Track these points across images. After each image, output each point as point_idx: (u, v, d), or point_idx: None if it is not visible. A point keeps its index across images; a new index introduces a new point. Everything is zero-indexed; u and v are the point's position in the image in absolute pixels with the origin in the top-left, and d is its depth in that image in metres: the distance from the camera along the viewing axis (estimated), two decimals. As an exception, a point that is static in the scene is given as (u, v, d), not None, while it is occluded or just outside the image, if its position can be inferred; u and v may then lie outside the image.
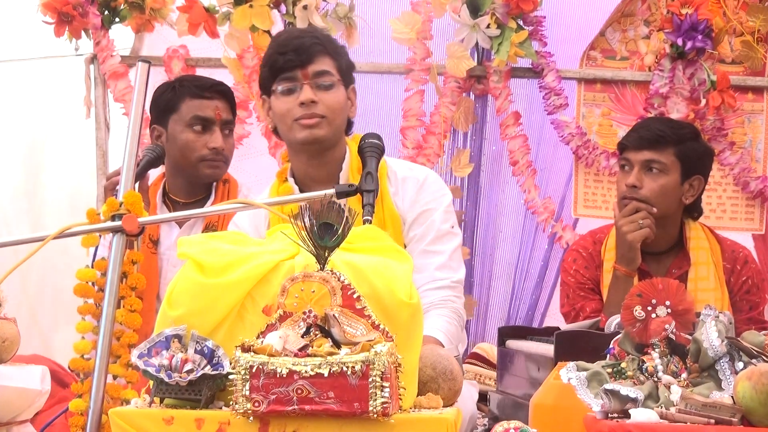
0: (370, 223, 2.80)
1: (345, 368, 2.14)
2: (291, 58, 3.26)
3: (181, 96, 3.94)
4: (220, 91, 4.00)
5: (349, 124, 3.38)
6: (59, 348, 5.31)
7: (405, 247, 3.21)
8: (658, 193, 3.79)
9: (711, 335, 2.27)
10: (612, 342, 2.40)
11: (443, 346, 3.02)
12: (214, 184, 4.02)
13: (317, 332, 2.22)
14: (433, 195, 3.31)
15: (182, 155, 3.90)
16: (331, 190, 2.80)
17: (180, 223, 3.97)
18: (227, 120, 3.98)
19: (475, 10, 4.34)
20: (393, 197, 3.28)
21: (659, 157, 3.81)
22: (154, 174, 4.02)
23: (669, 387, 2.25)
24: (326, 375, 2.14)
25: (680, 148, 3.83)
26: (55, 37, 4.46)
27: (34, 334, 5.55)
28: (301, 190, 3.27)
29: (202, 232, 3.88)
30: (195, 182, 3.98)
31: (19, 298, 5.63)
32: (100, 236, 2.78)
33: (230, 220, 3.47)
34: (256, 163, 4.62)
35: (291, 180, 3.33)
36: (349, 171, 3.31)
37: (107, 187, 3.91)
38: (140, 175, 3.71)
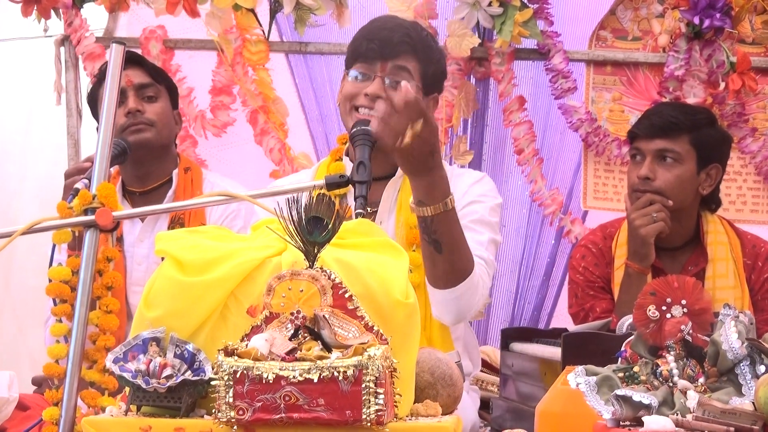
0: (363, 216, 2.80)
1: (336, 373, 2.13)
2: (374, 47, 3.43)
3: (99, 84, 4.04)
4: (127, 60, 4.01)
5: None
6: (29, 352, 5.32)
7: None
8: (673, 185, 3.80)
9: (730, 337, 2.27)
10: (624, 344, 2.40)
11: (473, 266, 3.23)
12: (175, 171, 4.05)
13: (306, 334, 2.22)
14: (485, 191, 3.53)
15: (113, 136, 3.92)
16: (321, 181, 2.80)
17: (143, 216, 3.99)
18: (142, 83, 4.04)
19: (476, -13, 4.33)
20: None
21: (673, 146, 3.81)
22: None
23: (685, 392, 2.25)
24: (316, 381, 2.14)
25: (695, 135, 3.84)
26: (23, 16, 4.44)
27: (3, 336, 5.56)
28: None
29: (168, 226, 3.91)
30: (140, 162, 4.00)
31: (2, 298, 5.65)
32: (73, 232, 2.77)
33: (199, 211, 3.49)
34: (239, 152, 4.63)
35: (346, 159, 3.43)
36: (404, 177, 3.40)
37: (67, 185, 3.78)
38: None
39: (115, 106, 2.80)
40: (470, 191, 3.49)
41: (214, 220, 3.94)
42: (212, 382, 2.22)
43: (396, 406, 2.26)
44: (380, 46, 3.42)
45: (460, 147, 4.49)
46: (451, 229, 3.15)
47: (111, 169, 3.85)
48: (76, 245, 2.69)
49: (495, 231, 3.48)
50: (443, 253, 3.16)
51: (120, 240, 3.97)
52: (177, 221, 3.91)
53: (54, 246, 2.71)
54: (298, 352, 2.18)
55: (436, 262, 3.19)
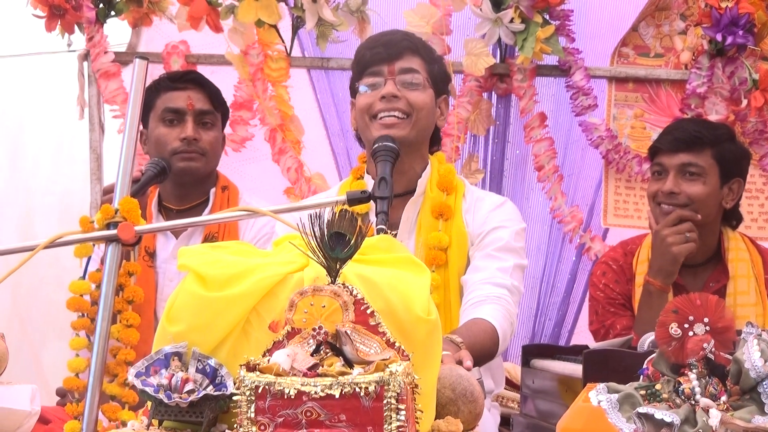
0: (385, 232, 2.80)
1: (358, 389, 2.13)
2: (379, 51, 3.45)
3: (156, 92, 4.00)
4: (192, 80, 4.05)
5: (436, 137, 3.45)
6: (49, 365, 5.33)
7: (467, 266, 3.39)
8: (700, 197, 3.79)
9: (753, 355, 2.26)
10: (645, 362, 2.39)
11: (498, 337, 3.21)
12: (212, 190, 4.04)
13: (328, 350, 2.22)
14: (508, 216, 3.49)
15: (158, 153, 3.92)
16: (343, 197, 2.81)
17: (177, 233, 3.98)
18: (203, 110, 4.01)
19: (497, 4, 4.33)
20: (465, 215, 3.44)
21: (696, 160, 3.81)
22: None
23: (707, 411, 2.25)
24: (337, 396, 2.13)
25: (718, 150, 3.84)
26: (46, 31, 4.47)
27: (24, 349, 5.57)
28: None
29: (202, 242, 3.89)
30: (182, 184, 3.99)
31: (10, 312, 5.65)
32: (95, 246, 2.78)
33: (233, 229, 3.47)
34: (260, 167, 4.64)
35: (368, 177, 3.41)
36: (428, 185, 3.36)
37: (104, 201, 3.86)
38: (140, 191, 3.68)
39: (138, 120, 2.81)
40: (491, 217, 3.47)
41: (247, 241, 3.92)
42: (234, 397, 2.22)
43: (417, 422, 2.25)
44: (385, 48, 3.44)
45: (471, 165, 4.49)
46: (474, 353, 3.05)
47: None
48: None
49: (520, 256, 3.45)
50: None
51: (153, 256, 3.97)
52: (211, 238, 3.90)
53: (89, 258, 2.72)
54: (320, 367, 2.18)
55: None
